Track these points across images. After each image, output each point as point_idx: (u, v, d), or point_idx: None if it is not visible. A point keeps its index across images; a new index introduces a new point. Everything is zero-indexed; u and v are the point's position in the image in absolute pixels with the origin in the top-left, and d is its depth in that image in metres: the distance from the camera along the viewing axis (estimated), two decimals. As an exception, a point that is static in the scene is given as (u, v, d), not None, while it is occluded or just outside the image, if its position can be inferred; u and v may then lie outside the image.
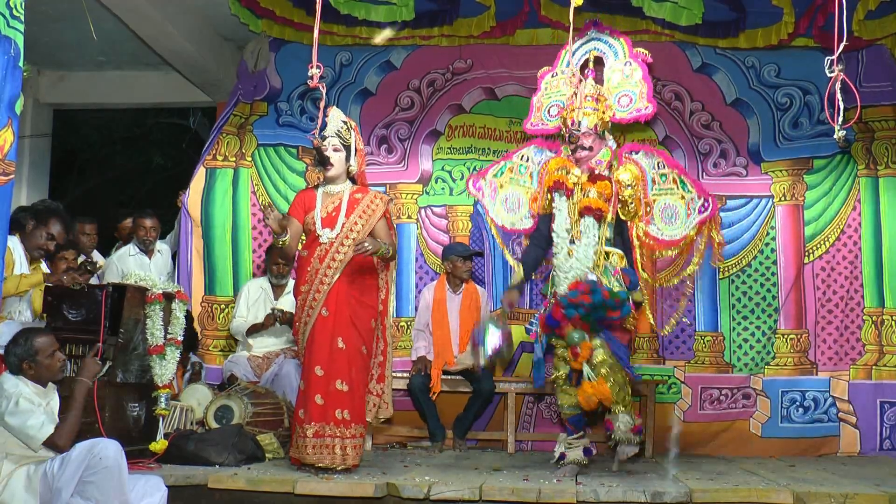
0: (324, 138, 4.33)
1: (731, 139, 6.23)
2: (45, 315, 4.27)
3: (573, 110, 4.51)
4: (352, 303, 4.24)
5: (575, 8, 4.18)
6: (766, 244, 6.10)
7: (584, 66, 4.72)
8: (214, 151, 6.35)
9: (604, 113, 4.53)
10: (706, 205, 4.45)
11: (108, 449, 3.31)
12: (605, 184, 4.43)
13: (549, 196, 4.59)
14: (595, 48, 4.75)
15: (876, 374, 5.86)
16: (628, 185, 4.41)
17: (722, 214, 6.03)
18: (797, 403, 5.87)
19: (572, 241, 4.42)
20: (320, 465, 4.09)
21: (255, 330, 5.61)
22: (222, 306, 6.19)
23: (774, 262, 6.07)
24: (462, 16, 6.12)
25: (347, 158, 4.36)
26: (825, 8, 5.44)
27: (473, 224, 6.28)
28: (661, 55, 5.45)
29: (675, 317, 5.06)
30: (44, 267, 4.68)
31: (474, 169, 6.30)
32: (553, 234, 4.51)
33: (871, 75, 6.05)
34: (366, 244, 4.10)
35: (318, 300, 4.21)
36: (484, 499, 3.79)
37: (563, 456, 4.47)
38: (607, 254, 4.42)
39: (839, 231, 6.03)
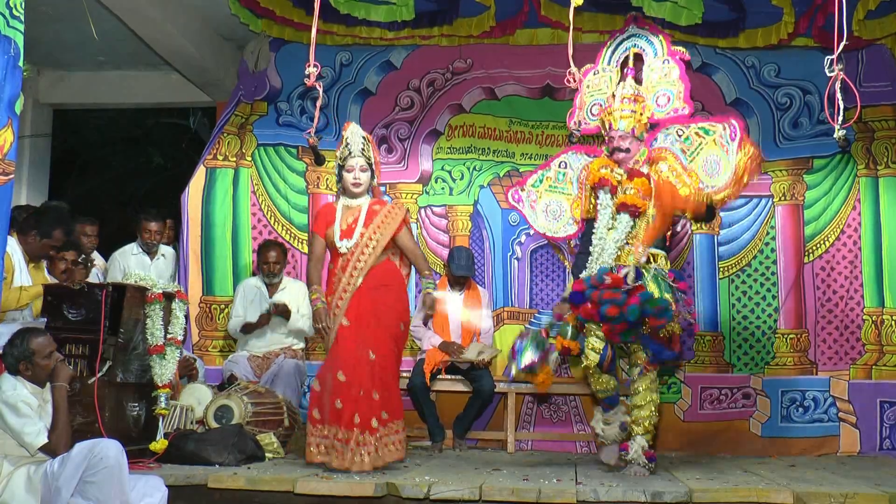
0: (349, 153, 4.40)
1: (730, 139, 6.23)
2: (45, 314, 4.27)
3: (610, 113, 4.50)
4: (378, 310, 4.31)
5: (575, 8, 4.18)
6: (766, 244, 6.09)
7: (624, 63, 4.69)
8: (215, 151, 6.35)
9: (641, 115, 4.50)
10: (732, 129, 4.25)
11: (109, 449, 3.32)
12: (643, 180, 4.40)
13: (593, 196, 4.60)
14: (635, 44, 4.72)
15: (876, 373, 5.85)
16: (664, 170, 4.36)
17: (722, 214, 6.08)
18: (797, 403, 5.87)
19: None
20: (350, 468, 4.09)
21: (249, 329, 5.60)
22: (222, 306, 6.17)
23: (774, 262, 6.06)
24: (462, 16, 6.12)
25: (372, 175, 4.48)
26: (825, 7, 5.43)
27: (473, 224, 6.28)
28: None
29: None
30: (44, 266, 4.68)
31: (474, 168, 6.32)
32: (593, 232, 4.51)
33: (871, 75, 6.04)
34: (427, 310, 4.52)
35: (340, 307, 4.31)
36: (484, 499, 3.79)
37: (624, 449, 4.43)
38: (654, 256, 4.39)
39: (839, 231, 6.03)
